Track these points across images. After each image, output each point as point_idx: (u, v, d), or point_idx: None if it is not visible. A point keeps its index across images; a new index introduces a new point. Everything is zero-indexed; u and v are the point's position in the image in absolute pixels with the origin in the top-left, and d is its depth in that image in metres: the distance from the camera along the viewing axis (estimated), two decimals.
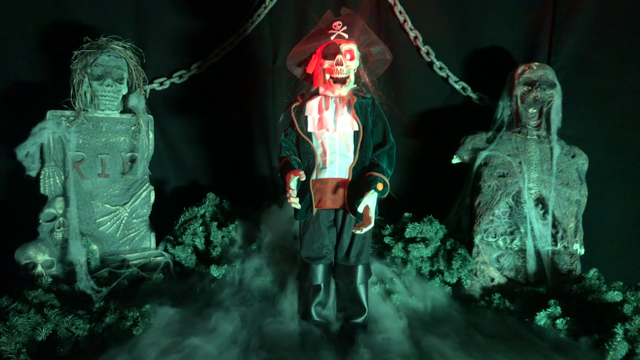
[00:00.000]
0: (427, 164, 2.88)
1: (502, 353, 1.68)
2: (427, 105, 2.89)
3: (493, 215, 2.32)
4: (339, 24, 1.73)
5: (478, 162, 2.44)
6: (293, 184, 1.69)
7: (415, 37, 2.80)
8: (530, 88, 2.41)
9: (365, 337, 1.78)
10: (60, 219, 2.18)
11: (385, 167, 1.74)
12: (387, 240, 2.35)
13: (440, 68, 2.80)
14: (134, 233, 2.46)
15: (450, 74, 2.80)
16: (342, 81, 1.75)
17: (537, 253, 2.26)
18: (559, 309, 1.90)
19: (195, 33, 2.84)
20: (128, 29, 2.66)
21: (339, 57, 1.71)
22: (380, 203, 1.76)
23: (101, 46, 2.32)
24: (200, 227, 2.43)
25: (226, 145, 3.03)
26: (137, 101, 2.45)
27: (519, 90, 2.43)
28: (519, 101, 2.44)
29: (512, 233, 2.30)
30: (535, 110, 2.46)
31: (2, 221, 2.51)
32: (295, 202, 1.68)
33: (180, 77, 2.85)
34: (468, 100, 2.83)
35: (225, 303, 1.99)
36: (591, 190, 2.43)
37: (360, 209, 1.67)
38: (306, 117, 1.79)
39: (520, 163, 2.36)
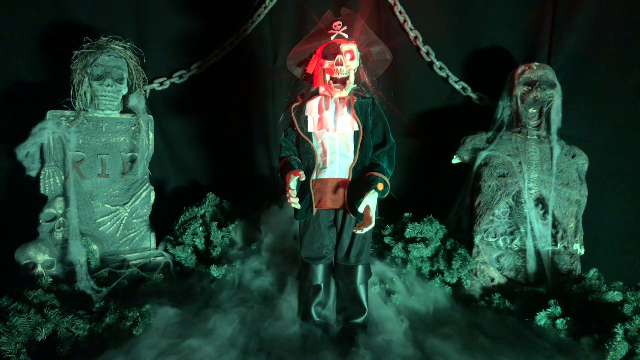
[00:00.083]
0: (427, 164, 2.88)
1: (505, 354, 1.68)
2: (427, 105, 2.89)
3: (493, 215, 2.32)
4: (339, 24, 1.73)
5: (478, 162, 2.44)
6: (293, 184, 1.69)
7: (415, 37, 2.80)
8: (530, 88, 2.41)
9: (365, 337, 1.77)
10: (60, 219, 2.18)
11: (386, 167, 1.74)
12: (387, 240, 2.35)
13: (440, 68, 2.80)
14: (134, 233, 2.46)
15: (450, 74, 2.80)
16: (342, 81, 1.75)
17: (537, 253, 2.26)
18: (559, 309, 1.90)
19: (195, 33, 2.84)
20: (128, 29, 2.66)
21: (339, 57, 1.71)
22: (380, 203, 1.76)
23: (101, 46, 2.32)
24: (200, 227, 2.43)
25: (226, 145, 3.03)
26: (137, 101, 2.45)
27: (519, 90, 2.43)
28: (519, 101, 2.44)
29: (512, 233, 2.30)
30: (535, 110, 2.46)
31: (2, 221, 2.51)
32: (294, 202, 1.68)
33: (180, 77, 2.85)
34: (468, 100, 2.83)
35: (224, 304, 1.99)
36: (591, 190, 2.43)
37: (360, 209, 1.67)
38: (306, 117, 1.79)
39: (520, 163, 2.36)
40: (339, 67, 1.71)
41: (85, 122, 2.35)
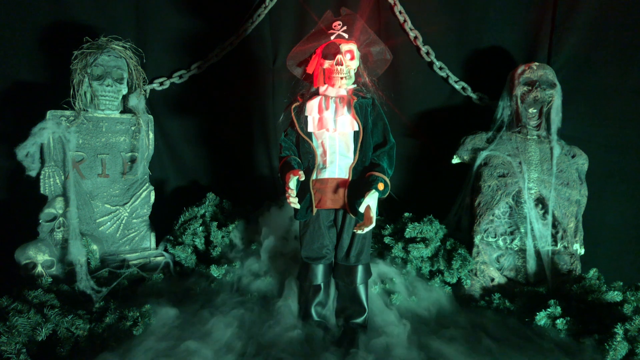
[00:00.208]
0: (427, 164, 2.88)
1: (511, 357, 1.68)
2: (427, 105, 2.88)
3: (493, 215, 2.32)
4: (339, 24, 1.73)
5: (478, 162, 2.44)
6: (292, 184, 1.69)
7: (415, 37, 2.80)
8: (530, 88, 2.41)
9: (366, 338, 1.77)
10: (60, 219, 2.18)
11: (386, 167, 1.74)
12: (387, 240, 2.35)
13: (440, 68, 2.80)
14: (134, 233, 2.46)
15: (450, 74, 2.80)
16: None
17: (537, 253, 2.26)
18: (559, 309, 1.90)
19: (195, 33, 2.84)
20: (128, 29, 2.66)
21: (339, 57, 1.71)
22: (380, 203, 1.76)
23: (101, 46, 2.32)
24: (200, 227, 2.43)
25: (226, 145, 3.03)
26: (137, 101, 2.45)
27: (519, 90, 2.43)
28: (519, 101, 2.44)
29: (512, 233, 2.30)
30: (535, 110, 2.46)
31: (2, 221, 2.51)
32: (294, 202, 1.68)
33: (180, 77, 2.85)
34: (468, 100, 2.83)
35: (224, 304, 1.99)
36: (591, 190, 2.43)
37: (361, 209, 1.67)
38: (306, 117, 1.78)
39: (520, 163, 2.36)
40: (339, 67, 1.72)
41: (85, 122, 2.35)
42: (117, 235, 2.42)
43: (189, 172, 3.03)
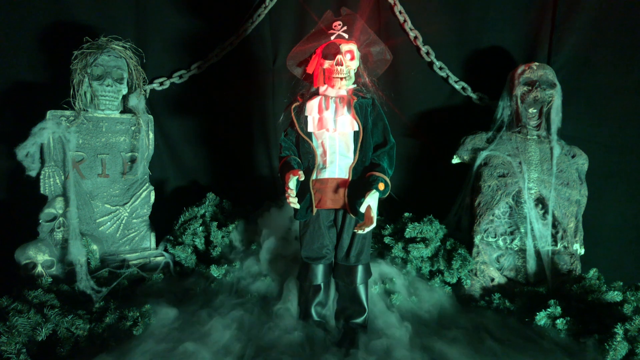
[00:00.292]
0: (427, 164, 2.88)
1: (510, 356, 1.68)
2: (427, 105, 2.88)
3: (493, 215, 2.32)
4: (339, 24, 1.73)
5: (478, 162, 2.44)
6: (292, 184, 1.69)
7: (415, 37, 2.80)
8: (530, 88, 2.41)
9: (367, 339, 1.76)
10: (60, 219, 2.18)
11: (386, 167, 1.74)
12: (387, 240, 2.35)
13: (440, 68, 2.80)
14: (134, 233, 2.46)
15: (450, 74, 2.80)
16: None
17: (537, 253, 2.26)
18: (559, 309, 1.90)
19: (195, 33, 2.84)
20: (128, 29, 2.66)
21: (339, 57, 1.71)
22: (380, 203, 1.76)
23: (101, 46, 2.32)
24: (200, 227, 2.43)
25: (226, 145, 3.03)
26: (137, 101, 2.45)
27: (519, 90, 2.43)
28: (519, 101, 2.44)
29: (512, 233, 2.30)
30: (535, 110, 2.46)
31: (2, 221, 2.51)
32: (293, 202, 1.68)
33: (180, 77, 2.85)
34: (468, 100, 2.83)
35: (224, 305, 1.98)
36: (591, 190, 2.43)
37: (362, 209, 1.66)
38: (306, 117, 1.78)
39: (520, 163, 2.36)
40: (339, 67, 1.72)
41: (85, 122, 2.35)
42: (117, 235, 2.42)
43: (189, 172, 3.03)
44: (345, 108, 1.75)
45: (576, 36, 2.62)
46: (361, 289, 1.88)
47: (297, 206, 1.72)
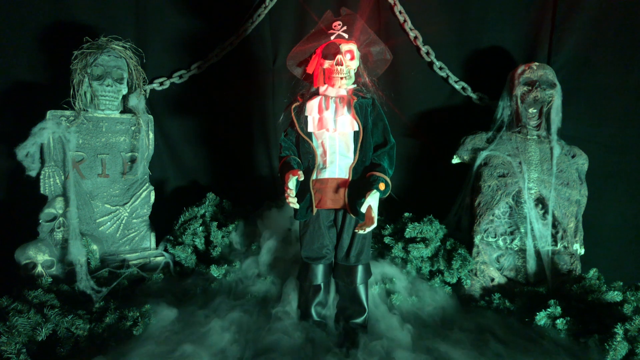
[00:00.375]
0: (427, 164, 2.88)
1: (514, 358, 1.67)
2: (427, 105, 2.88)
3: (493, 215, 2.32)
4: (339, 24, 1.73)
5: (478, 162, 2.44)
6: (291, 184, 1.69)
7: (415, 37, 2.80)
8: (530, 88, 2.41)
9: (366, 339, 1.76)
10: (60, 219, 2.18)
11: (387, 167, 1.74)
12: (387, 240, 2.35)
13: (440, 68, 2.80)
14: (134, 233, 2.46)
15: (450, 74, 2.80)
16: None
17: (537, 253, 2.26)
18: (559, 309, 1.90)
19: (195, 33, 2.84)
20: (128, 29, 2.66)
21: (339, 57, 1.71)
22: (380, 203, 1.76)
23: (101, 46, 2.32)
24: (200, 227, 2.43)
25: (226, 145, 3.03)
26: (137, 101, 2.45)
27: (519, 90, 2.43)
28: (519, 101, 2.44)
29: (512, 233, 2.30)
30: (535, 110, 2.46)
31: (2, 221, 2.51)
32: (293, 202, 1.68)
33: (180, 77, 2.85)
34: (468, 100, 2.83)
35: (224, 305, 1.98)
36: (591, 190, 2.43)
37: (363, 209, 1.66)
38: (306, 117, 1.78)
39: (520, 163, 2.36)
40: (339, 67, 1.72)
41: (85, 122, 2.35)
42: (117, 235, 2.42)
43: (189, 172, 3.03)
44: (345, 108, 1.75)
45: (576, 36, 2.62)
46: (361, 289, 1.88)
47: (297, 206, 1.71)
